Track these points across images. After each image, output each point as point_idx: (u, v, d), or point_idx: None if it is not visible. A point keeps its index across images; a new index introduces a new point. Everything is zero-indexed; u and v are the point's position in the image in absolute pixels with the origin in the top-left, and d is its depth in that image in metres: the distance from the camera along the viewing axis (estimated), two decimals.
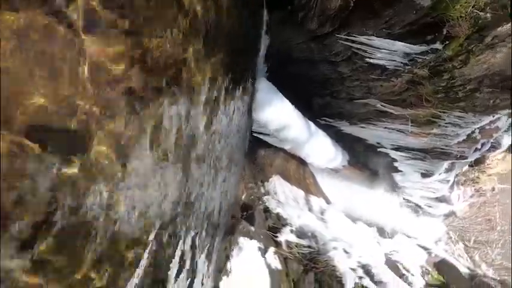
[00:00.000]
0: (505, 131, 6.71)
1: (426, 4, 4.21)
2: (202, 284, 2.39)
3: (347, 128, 7.88)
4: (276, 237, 4.71)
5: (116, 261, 1.43)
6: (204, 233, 2.40)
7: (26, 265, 0.94)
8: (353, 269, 5.01)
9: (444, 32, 4.49)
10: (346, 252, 5.24)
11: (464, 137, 6.45)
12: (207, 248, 2.50)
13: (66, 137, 1.05)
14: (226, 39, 2.35)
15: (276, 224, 5.09)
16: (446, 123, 6.08)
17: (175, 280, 2.04)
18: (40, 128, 0.94)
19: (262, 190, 5.88)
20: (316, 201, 7.04)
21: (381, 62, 5.36)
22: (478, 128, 6.21)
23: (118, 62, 1.22)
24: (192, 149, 1.97)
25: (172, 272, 1.97)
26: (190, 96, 1.87)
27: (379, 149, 8.16)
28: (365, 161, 9.01)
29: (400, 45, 4.85)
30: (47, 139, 0.97)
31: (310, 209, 6.55)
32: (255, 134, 5.91)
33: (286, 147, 6.48)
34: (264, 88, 4.95)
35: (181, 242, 2.05)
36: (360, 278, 4.91)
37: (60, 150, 1.02)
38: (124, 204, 1.42)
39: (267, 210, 5.33)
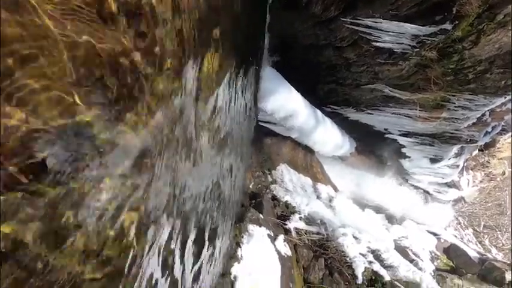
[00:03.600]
0: None
1: None
2: (214, 268, 2.43)
3: (353, 115, 7.80)
4: (285, 224, 4.74)
5: None
6: (220, 218, 2.43)
7: None
8: (363, 255, 5.03)
9: (454, 11, 4.35)
10: (355, 238, 5.25)
11: (475, 120, 6.33)
12: (222, 233, 2.53)
13: None
14: (230, 25, 2.30)
15: (285, 212, 5.11)
16: (455, 106, 5.96)
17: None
18: None
19: (270, 178, 5.89)
20: (324, 189, 7.03)
21: (388, 46, 5.24)
22: (488, 110, 6.08)
23: None
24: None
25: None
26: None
27: (386, 135, 8.08)
28: (372, 147, 8.94)
29: (408, 27, 4.72)
30: None
31: (318, 197, 6.55)
32: (262, 123, 5.88)
33: (293, 135, 6.45)
34: (269, 76, 4.89)
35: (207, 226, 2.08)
36: (370, 262, 4.93)
37: None
38: None
39: (275, 198, 5.34)
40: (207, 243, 2.29)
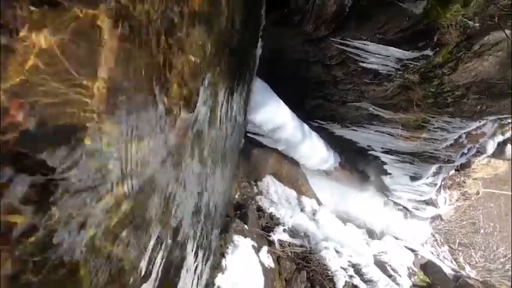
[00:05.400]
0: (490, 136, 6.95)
1: (418, 12, 4.35)
2: (199, 279, 2.43)
3: (338, 131, 8.00)
4: (269, 236, 4.76)
5: None
6: (205, 228, 2.44)
7: None
8: (344, 268, 5.11)
9: (435, 39, 4.65)
10: (337, 252, 5.34)
11: (452, 142, 6.66)
12: (206, 243, 2.54)
13: None
14: (229, 38, 2.39)
15: (269, 223, 5.15)
16: (435, 127, 6.26)
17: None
18: None
19: (256, 190, 5.93)
20: (308, 202, 7.13)
21: (374, 67, 5.49)
22: (465, 133, 6.42)
23: None
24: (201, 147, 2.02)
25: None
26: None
27: (369, 152, 8.32)
28: (355, 163, 9.17)
29: (393, 51, 4.99)
30: None
31: (302, 210, 6.64)
32: (249, 134, 5.95)
33: (280, 147, 6.55)
34: (260, 89, 5.00)
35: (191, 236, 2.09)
36: (351, 277, 5.02)
37: None
38: None
39: (260, 209, 5.38)
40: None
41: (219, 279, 3.11)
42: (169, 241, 1.82)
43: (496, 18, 4.13)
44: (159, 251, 1.68)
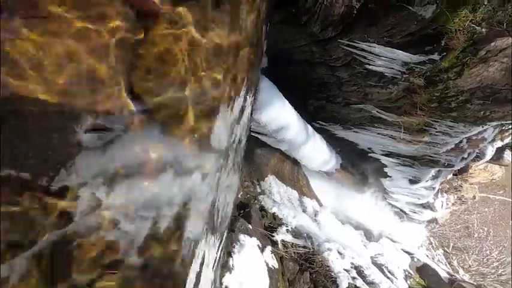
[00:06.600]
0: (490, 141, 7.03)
1: (428, 16, 4.37)
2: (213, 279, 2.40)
3: (340, 132, 8.03)
4: (273, 236, 4.74)
5: None
6: (218, 226, 2.42)
7: None
8: (347, 270, 5.11)
9: (442, 44, 4.68)
10: (340, 253, 5.34)
11: (453, 146, 6.71)
12: (218, 242, 2.52)
13: None
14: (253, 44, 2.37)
15: (272, 223, 5.13)
16: (437, 131, 6.31)
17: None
18: None
19: (258, 189, 5.91)
20: (309, 203, 7.13)
21: (379, 69, 5.51)
22: (466, 137, 6.47)
23: None
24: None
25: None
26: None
27: (370, 154, 8.35)
28: (356, 165, 9.19)
29: (400, 54, 5.00)
30: None
31: (304, 210, 6.63)
32: (253, 134, 5.92)
33: (283, 148, 6.52)
34: (266, 88, 4.98)
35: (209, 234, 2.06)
36: (354, 278, 5.02)
37: None
38: None
39: (262, 209, 5.35)
40: None
41: (227, 278, 3.08)
42: None
43: (505, 24, 4.16)
44: None
